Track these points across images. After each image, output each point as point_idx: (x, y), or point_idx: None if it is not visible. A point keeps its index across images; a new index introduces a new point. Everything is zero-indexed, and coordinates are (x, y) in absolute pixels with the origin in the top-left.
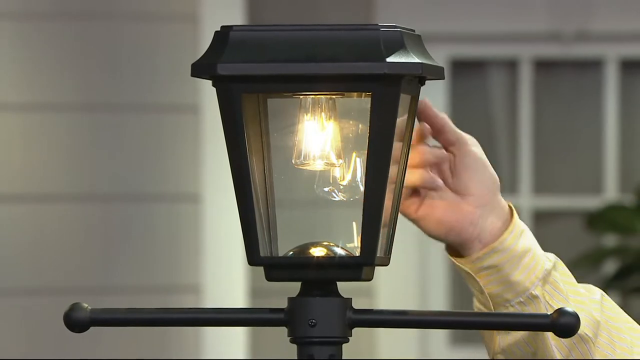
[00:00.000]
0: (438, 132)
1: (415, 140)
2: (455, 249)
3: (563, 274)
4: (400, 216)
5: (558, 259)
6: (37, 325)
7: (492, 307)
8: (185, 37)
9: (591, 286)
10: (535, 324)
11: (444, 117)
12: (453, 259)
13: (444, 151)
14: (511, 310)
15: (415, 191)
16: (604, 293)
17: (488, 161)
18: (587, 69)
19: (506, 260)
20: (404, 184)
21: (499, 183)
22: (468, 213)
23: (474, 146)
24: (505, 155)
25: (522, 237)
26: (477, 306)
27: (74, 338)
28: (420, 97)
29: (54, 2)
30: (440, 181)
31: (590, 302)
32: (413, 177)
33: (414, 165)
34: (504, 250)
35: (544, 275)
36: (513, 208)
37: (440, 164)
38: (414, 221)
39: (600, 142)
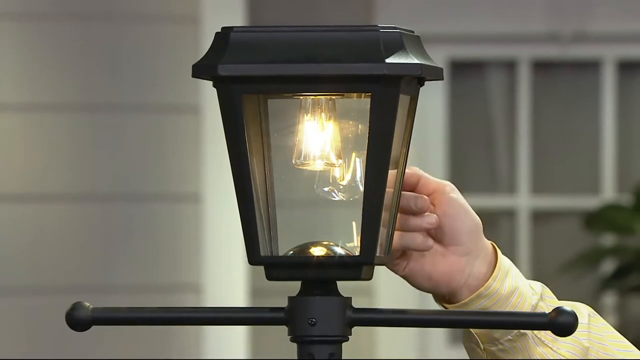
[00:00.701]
0: (413, 187)
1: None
2: (443, 296)
3: (550, 302)
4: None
5: (544, 286)
6: (39, 325)
7: (481, 346)
8: (186, 38)
9: (579, 306)
10: (534, 323)
11: (415, 173)
12: (441, 305)
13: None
14: (500, 347)
15: (403, 251)
16: (591, 312)
17: (468, 205)
18: (584, 70)
19: (492, 303)
20: (396, 247)
21: (482, 226)
22: (455, 263)
23: (452, 193)
24: (504, 156)
25: (507, 278)
26: (466, 343)
27: (76, 337)
28: (420, 98)
29: (55, 3)
30: (432, 243)
31: (578, 328)
32: (407, 241)
33: (406, 228)
34: (490, 295)
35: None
36: (496, 247)
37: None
38: (403, 277)
39: (598, 143)
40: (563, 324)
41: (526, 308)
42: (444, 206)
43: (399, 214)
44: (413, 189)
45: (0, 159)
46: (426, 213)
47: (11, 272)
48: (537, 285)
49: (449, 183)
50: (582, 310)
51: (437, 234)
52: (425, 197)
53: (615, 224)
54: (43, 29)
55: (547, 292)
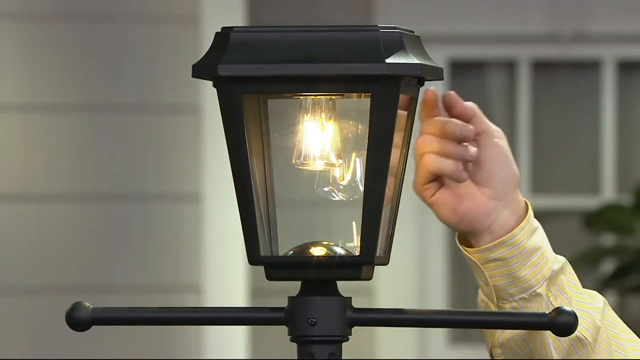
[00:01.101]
0: (467, 122)
1: (436, 126)
2: (466, 238)
3: (570, 278)
4: (399, 215)
5: (567, 262)
6: (39, 325)
7: (495, 300)
8: (186, 38)
9: (595, 293)
10: (534, 322)
11: (473, 108)
12: (462, 248)
13: (471, 132)
14: (513, 304)
15: (436, 177)
16: (606, 302)
17: (512, 156)
18: (584, 70)
19: (514, 254)
20: (430, 169)
21: (519, 179)
22: (483, 204)
23: (500, 139)
24: None
25: (534, 234)
26: (481, 297)
27: (76, 337)
28: (420, 98)
29: (55, 3)
30: (466, 176)
31: (592, 308)
32: (443, 165)
33: (444, 151)
34: (513, 245)
35: (550, 275)
36: (529, 206)
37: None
38: (429, 205)
39: (597, 143)
40: (563, 324)
41: (546, 270)
42: (488, 148)
43: (435, 136)
44: (466, 122)
45: (0, 159)
46: (467, 144)
47: (11, 272)
48: (562, 258)
49: (499, 129)
50: (598, 297)
51: (473, 172)
52: (471, 127)
53: (615, 224)
54: (43, 29)
55: (569, 267)
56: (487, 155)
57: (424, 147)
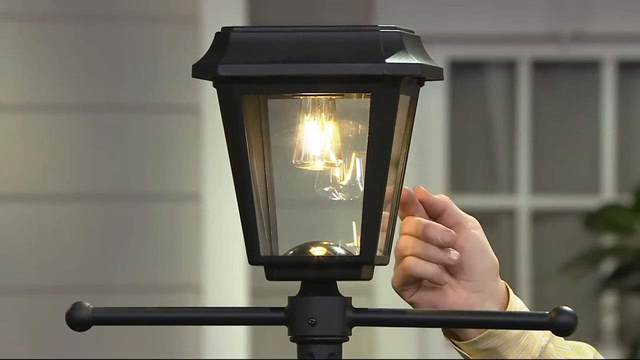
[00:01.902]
0: (438, 216)
1: (417, 228)
2: (451, 330)
3: (558, 343)
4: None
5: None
6: (39, 325)
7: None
8: (186, 38)
9: (584, 346)
10: (534, 322)
11: (444, 201)
12: (450, 341)
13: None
14: None
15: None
16: (596, 353)
17: (488, 244)
18: (584, 70)
19: (502, 343)
20: (412, 273)
21: (498, 267)
22: (465, 299)
23: (474, 229)
24: (504, 156)
25: None
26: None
27: (76, 337)
28: (420, 98)
29: (55, 4)
30: (447, 278)
31: None
32: (425, 269)
33: (425, 256)
34: (500, 335)
35: (540, 353)
36: (509, 288)
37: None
38: (409, 304)
39: (597, 143)
40: (563, 324)
41: (535, 350)
42: (463, 240)
43: (416, 239)
44: (438, 215)
45: (0, 159)
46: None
47: (11, 272)
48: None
49: (473, 219)
50: (587, 351)
51: (451, 266)
52: (453, 232)
53: (615, 224)
54: (43, 29)
55: (556, 337)
56: (463, 247)
57: (405, 250)
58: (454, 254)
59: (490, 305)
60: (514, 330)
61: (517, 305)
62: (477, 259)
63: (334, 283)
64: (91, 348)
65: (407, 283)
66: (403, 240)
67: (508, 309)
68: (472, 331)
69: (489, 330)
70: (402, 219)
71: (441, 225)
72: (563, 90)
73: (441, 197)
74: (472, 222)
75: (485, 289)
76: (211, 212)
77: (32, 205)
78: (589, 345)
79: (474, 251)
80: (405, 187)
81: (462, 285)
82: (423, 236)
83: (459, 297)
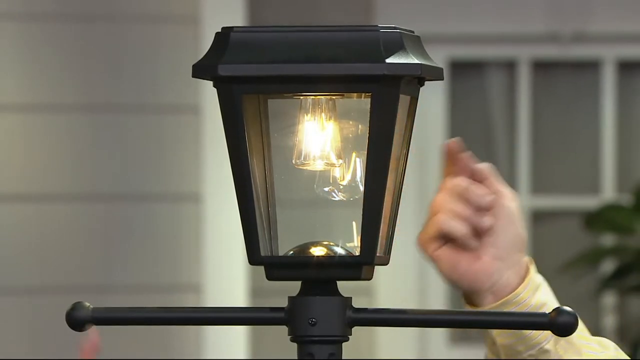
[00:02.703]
0: (479, 182)
1: (458, 187)
2: (471, 298)
3: (578, 328)
4: (399, 215)
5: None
6: (39, 325)
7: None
8: (186, 38)
9: (606, 340)
10: (534, 322)
11: (486, 170)
12: (469, 308)
13: (489, 202)
14: None
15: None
16: (617, 347)
17: (521, 219)
18: (584, 70)
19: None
20: (442, 228)
21: (525, 242)
22: (486, 264)
23: (510, 201)
24: (504, 156)
25: (537, 291)
26: (489, 357)
27: (76, 337)
28: (420, 98)
29: (55, 4)
30: (475, 243)
31: (605, 356)
32: (456, 228)
33: (459, 215)
34: (518, 303)
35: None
36: (531, 263)
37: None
38: (430, 258)
39: (597, 142)
40: (563, 324)
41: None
42: (497, 209)
43: (454, 197)
44: (479, 182)
45: (0, 159)
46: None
47: (11, 272)
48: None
49: (512, 193)
50: (609, 344)
51: (481, 231)
52: (493, 196)
53: (615, 224)
54: (43, 29)
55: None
56: (497, 215)
57: (441, 205)
58: (488, 219)
59: (511, 275)
60: (532, 301)
61: (537, 281)
62: (507, 229)
63: (334, 283)
64: None
65: (435, 237)
66: (441, 196)
67: (527, 281)
68: (487, 299)
69: (507, 297)
70: (445, 175)
71: (484, 188)
72: (563, 90)
73: (486, 166)
74: (510, 195)
75: (509, 259)
76: (211, 212)
77: (32, 205)
78: (611, 342)
79: (504, 222)
80: (454, 139)
81: (486, 251)
82: (463, 195)
83: (480, 262)
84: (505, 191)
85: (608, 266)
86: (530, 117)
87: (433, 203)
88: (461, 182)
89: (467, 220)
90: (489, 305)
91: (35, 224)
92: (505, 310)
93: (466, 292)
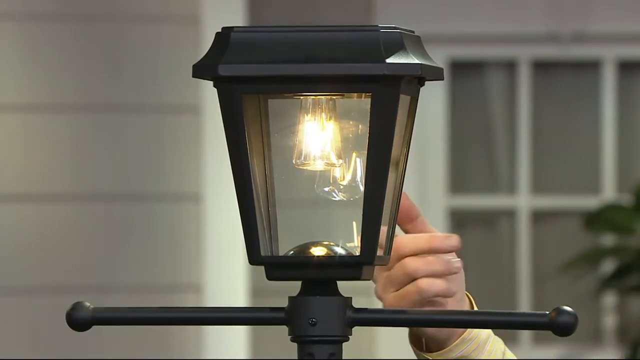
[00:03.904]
0: (411, 222)
1: (419, 245)
2: (419, 341)
3: (509, 353)
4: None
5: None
6: (40, 324)
7: None
8: (186, 38)
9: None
10: (534, 322)
11: (417, 208)
12: (423, 354)
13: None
14: None
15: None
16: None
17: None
18: (584, 70)
19: (474, 349)
20: (428, 295)
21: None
22: (454, 308)
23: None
24: (504, 156)
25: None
26: None
27: (76, 337)
28: (420, 98)
29: (55, 4)
30: (454, 289)
31: None
32: (438, 288)
33: (439, 275)
34: (472, 340)
35: (501, 358)
36: (471, 297)
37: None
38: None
39: (598, 143)
40: (563, 324)
41: (499, 354)
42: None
43: (427, 259)
44: (412, 220)
45: (1, 160)
46: (450, 257)
47: (11, 271)
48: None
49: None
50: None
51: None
52: (456, 235)
53: (615, 224)
54: (44, 29)
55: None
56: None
57: (416, 272)
58: (457, 262)
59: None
60: (482, 335)
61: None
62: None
63: (334, 283)
64: (91, 348)
65: (419, 305)
66: (411, 262)
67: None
68: (452, 339)
69: (463, 335)
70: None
71: (439, 233)
72: (563, 90)
73: (416, 213)
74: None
75: (463, 296)
76: (211, 212)
77: (32, 205)
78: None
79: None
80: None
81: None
82: (431, 250)
83: (450, 307)
84: (437, 232)
85: (608, 266)
86: (530, 117)
87: (407, 271)
88: (419, 238)
89: (445, 273)
90: (448, 346)
91: (35, 224)
92: (463, 347)
93: (433, 339)
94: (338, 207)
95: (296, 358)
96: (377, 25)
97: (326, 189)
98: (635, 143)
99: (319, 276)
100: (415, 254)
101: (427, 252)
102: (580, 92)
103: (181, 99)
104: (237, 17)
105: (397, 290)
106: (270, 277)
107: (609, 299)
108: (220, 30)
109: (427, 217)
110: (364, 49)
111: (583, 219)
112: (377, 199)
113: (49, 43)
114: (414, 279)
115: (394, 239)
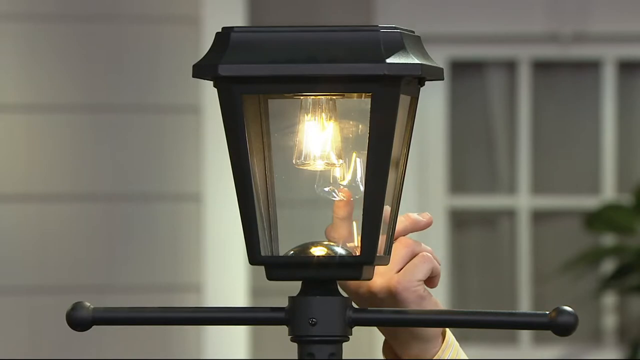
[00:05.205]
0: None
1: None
2: (393, 350)
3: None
4: (399, 215)
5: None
6: (40, 324)
7: None
8: (186, 38)
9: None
10: (534, 322)
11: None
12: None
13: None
14: None
15: None
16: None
17: None
18: (584, 70)
19: (456, 354)
20: (433, 261)
21: None
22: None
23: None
24: (504, 156)
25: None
26: None
27: (76, 337)
28: (420, 98)
29: (57, 4)
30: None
31: None
32: (436, 261)
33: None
34: (453, 345)
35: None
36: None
37: None
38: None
39: (598, 142)
40: (563, 324)
41: (464, 356)
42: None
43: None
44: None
45: (2, 159)
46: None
47: (12, 271)
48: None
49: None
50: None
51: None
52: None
53: (615, 224)
54: (45, 30)
55: None
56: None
57: (417, 245)
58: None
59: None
60: (452, 337)
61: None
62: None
63: (334, 283)
64: (91, 348)
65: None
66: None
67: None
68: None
69: (445, 342)
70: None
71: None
72: (563, 90)
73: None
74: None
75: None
76: (211, 212)
77: (32, 205)
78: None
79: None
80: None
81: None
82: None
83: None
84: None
85: (608, 266)
86: (531, 117)
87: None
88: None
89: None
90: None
91: (36, 224)
92: (448, 352)
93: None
94: None
95: (296, 358)
96: (377, 25)
97: (326, 189)
98: (635, 143)
99: (319, 276)
100: (402, 234)
101: (410, 228)
102: (580, 92)
103: (181, 99)
104: (237, 17)
105: (401, 270)
106: (270, 277)
107: (609, 299)
108: (220, 30)
109: None
110: (364, 49)
111: (583, 219)
112: (377, 198)
113: (50, 43)
114: (416, 253)
115: None
